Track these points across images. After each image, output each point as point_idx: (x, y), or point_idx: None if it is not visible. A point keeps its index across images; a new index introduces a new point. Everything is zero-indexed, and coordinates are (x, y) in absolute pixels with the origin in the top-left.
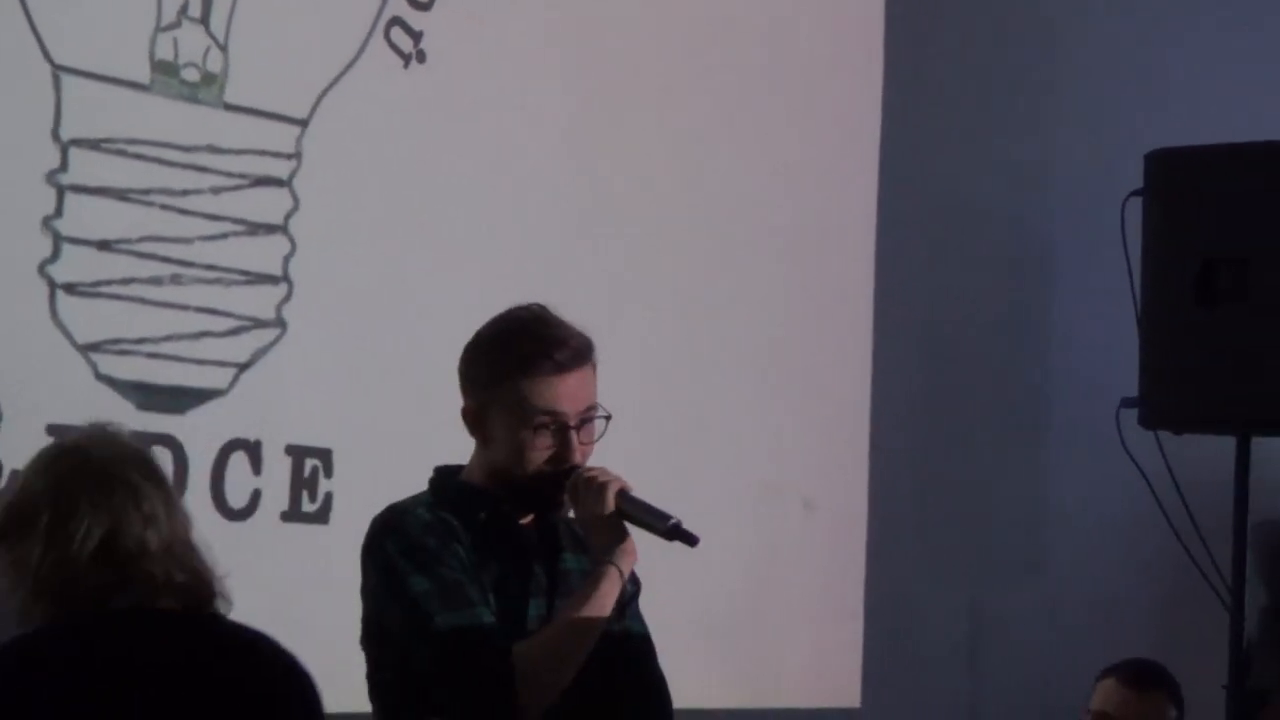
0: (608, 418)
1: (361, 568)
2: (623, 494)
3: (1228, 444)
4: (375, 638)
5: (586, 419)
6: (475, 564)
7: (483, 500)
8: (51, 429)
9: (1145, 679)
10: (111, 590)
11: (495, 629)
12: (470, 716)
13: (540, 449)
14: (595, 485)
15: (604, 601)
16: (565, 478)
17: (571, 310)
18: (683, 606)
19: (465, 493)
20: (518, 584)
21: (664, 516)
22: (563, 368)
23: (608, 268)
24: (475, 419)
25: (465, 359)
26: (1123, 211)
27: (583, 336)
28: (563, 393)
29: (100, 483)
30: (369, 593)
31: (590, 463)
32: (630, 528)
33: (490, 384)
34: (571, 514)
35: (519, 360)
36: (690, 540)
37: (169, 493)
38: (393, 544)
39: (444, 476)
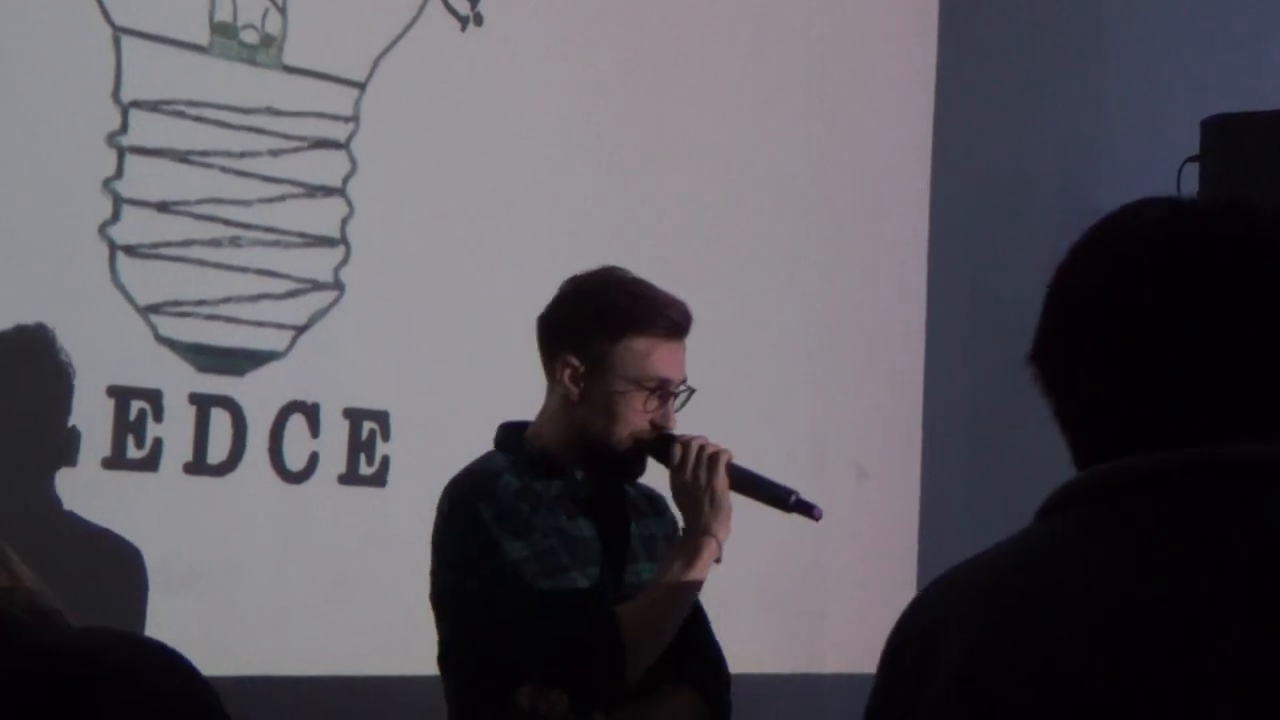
0: (692, 391)
1: (441, 534)
2: (733, 465)
3: None
4: (454, 605)
5: (678, 389)
6: (562, 530)
7: (557, 467)
8: (112, 390)
9: None
10: None
11: (597, 595)
12: (581, 682)
13: (645, 412)
14: (707, 454)
15: (704, 570)
16: (666, 444)
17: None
18: (736, 574)
19: (546, 458)
20: (608, 549)
21: (784, 490)
22: (677, 332)
23: (662, 231)
24: (575, 375)
25: (566, 312)
26: (1178, 178)
27: (685, 305)
28: (673, 358)
29: None
30: (449, 559)
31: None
32: (736, 498)
33: (602, 339)
34: (670, 480)
35: (635, 319)
36: (812, 513)
37: None
38: (486, 509)
39: (512, 435)
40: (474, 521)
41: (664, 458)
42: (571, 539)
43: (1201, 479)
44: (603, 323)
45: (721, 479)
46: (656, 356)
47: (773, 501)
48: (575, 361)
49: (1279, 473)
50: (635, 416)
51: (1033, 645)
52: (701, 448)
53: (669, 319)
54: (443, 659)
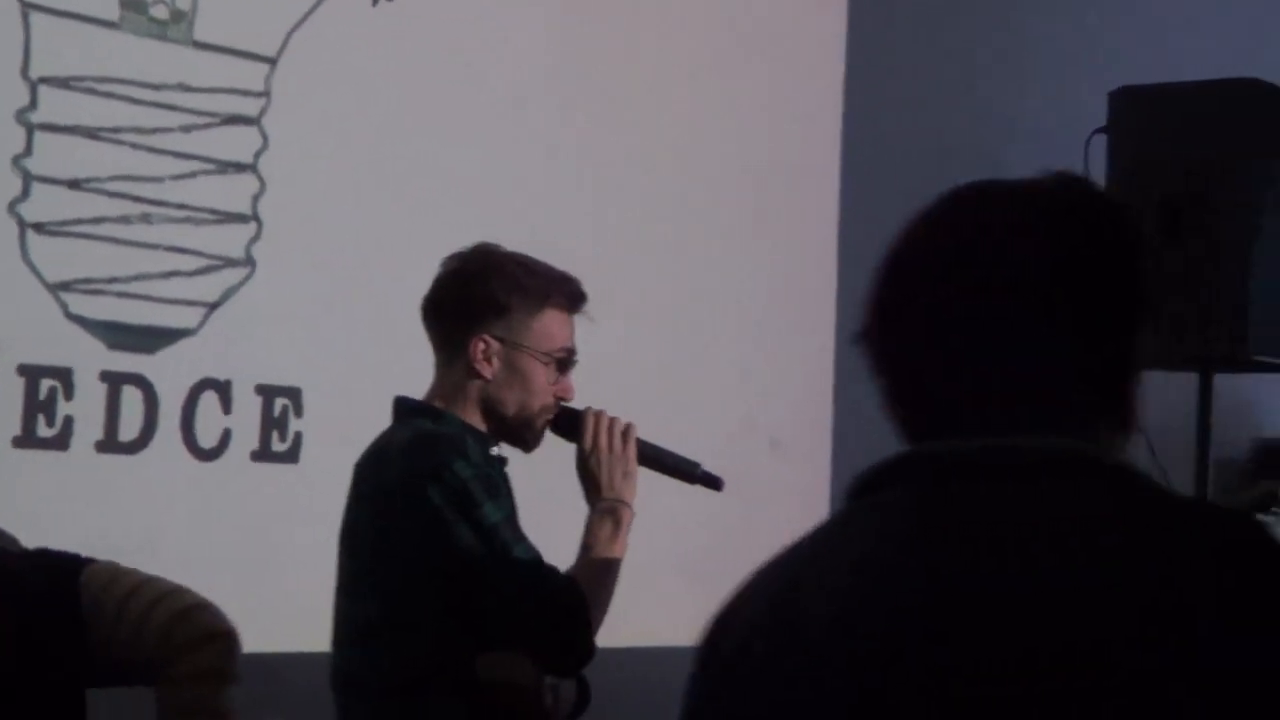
0: (576, 363)
1: (412, 499)
2: (640, 440)
3: (1189, 381)
4: (438, 572)
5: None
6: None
7: (486, 438)
8: (22, 369)
9: None
10: None
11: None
12: (556, 646)
13: (553, 386)
14: (617, 427)
15: (625, 540)
16: (574, 417)
17: (544, 250)
18: (656, 544)
19: (471, 430)
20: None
21: (690, 463)
22: (578, 305)
23: (579, 207)
24: (488, 351)
25: (476, 289)
26: (1086, 149)
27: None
28: (573, 330)
29: None
30: (430, 523)
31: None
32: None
33: (521, 313)
34: (578, 452)
35: (549, 292)
36: (716, 485)
37: None
38: (464, 469)
39: (428, 410)
40: (456, 481)
41: (572, 430)
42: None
43: (957, 472)
44: (522, 297)
45: (632, 449)
46: (566, 328)
47: (679, 474)
48: (489, 338)
49: (1066, 466)
50: (548, 389)
51: (809, 622)
52: (613, 420)
53: (578, 291)
54: (375, 635)
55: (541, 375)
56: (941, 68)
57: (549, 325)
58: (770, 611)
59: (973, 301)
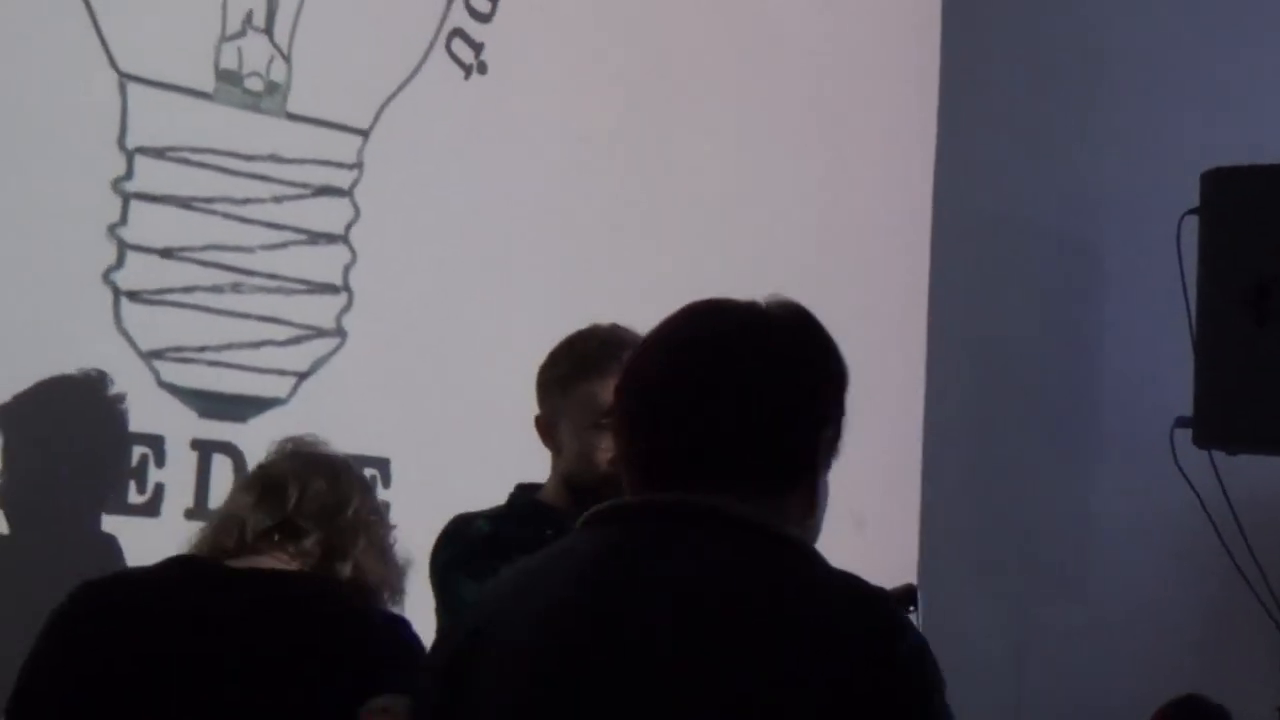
0: None
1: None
2: None
3: None
4: None
5: None
6: None
7: (551, 517)
8: (115, 436)
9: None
10: None
11: None
12: None
13: (606, 449)
14: None
15: None
16: None
17: (626, 321)
18: None
19: (538, 509)
20: None
21: None
22: (612, 362)
23: (659, 280)
24: (546, 427)
25: (540, 369)
26: (1178, 229)
27: (612, 330)
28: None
29: None
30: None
31: None
32: None
33: (559, 389)
34: None
35: (585, 363)
36: None
37: None
38: (448, 551)
39: (521, 492)
40: (437, 563)
41: None
42: None
43: (659, 516)
44: (561, 372)
45: None
46: (604, 392)
47: None
48: (544, 414)
49: (719, 518)
50: (600, 454)
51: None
52: None
53: (620, 361)
54: None
55: (590, 440)
56: (1034, 147)
57: (598, 389)
58: (491, 615)
59: (692, 393)
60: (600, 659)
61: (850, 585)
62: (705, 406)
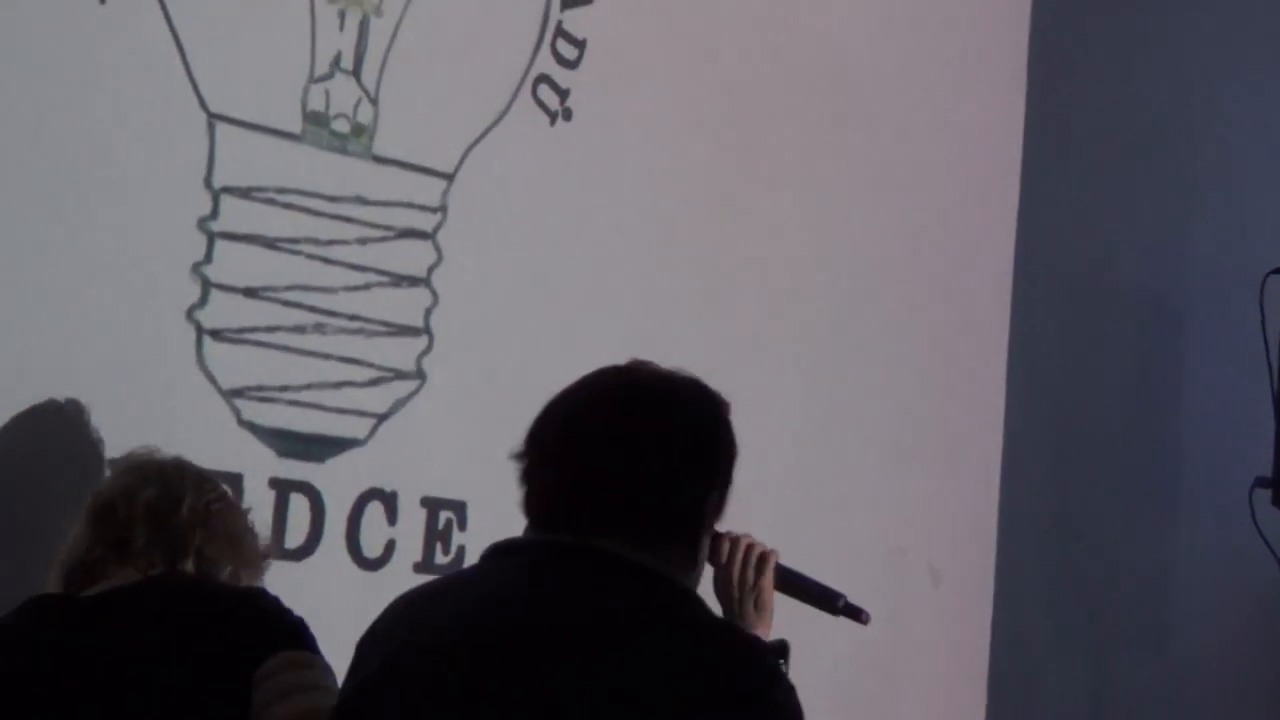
0: None
1: None
2: (781, 566)
3: None
4: None
5: None
6: None
7: None
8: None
9: None
10: None
11: None
12: None
13: None
14: (755, 554)
15: None
16: (714, 541)
17: (705, 370)
18: (807, 670)
19: None
20: None
21: (834, 593)
22: None
23: (744, 329)
24: None
25: None
26: (1262, 289)
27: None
28: None
29: None
30: None
31: (721, 526)
32: (780, 598)
33: None
34: (714, 576)
35: None
36: (860, 617)
37: None
38: None
39: None
40: None
41: (710, 555)
42: None
43: (554, 555)
44: None
45: (768, 579)
46: None
47: (821, 604)
48: None
49: (608, 557)
50: None
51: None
52: (750, 546)
53: None
54: None
55: None
56: (1115, 202)
57: None
58: (401, 632)
59: (592, 450)
60: (491, 691)
61: (730, 630)
62: (602, 456)
